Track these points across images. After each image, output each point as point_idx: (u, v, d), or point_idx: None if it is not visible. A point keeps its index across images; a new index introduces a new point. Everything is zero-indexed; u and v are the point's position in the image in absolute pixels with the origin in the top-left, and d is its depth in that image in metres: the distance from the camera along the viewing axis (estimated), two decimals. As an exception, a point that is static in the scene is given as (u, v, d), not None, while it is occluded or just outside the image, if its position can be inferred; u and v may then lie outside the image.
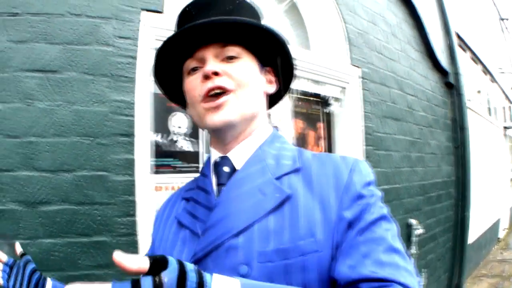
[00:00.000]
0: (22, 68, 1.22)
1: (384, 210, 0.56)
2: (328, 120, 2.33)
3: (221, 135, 0.63)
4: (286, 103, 2.10)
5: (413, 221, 2.64)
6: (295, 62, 0.68)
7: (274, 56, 0.67)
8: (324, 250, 0.53)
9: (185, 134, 1.64)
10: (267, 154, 0.62)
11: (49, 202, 1.20)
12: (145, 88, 1.41)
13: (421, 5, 3.12)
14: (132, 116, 1.36)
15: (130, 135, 1.35)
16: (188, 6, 0.66)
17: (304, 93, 2.19)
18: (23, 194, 1.18)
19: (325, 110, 2.33)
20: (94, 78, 1.30)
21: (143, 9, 1.44)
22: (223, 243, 0.55)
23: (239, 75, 0.61)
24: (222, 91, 0.59)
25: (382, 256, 0.51)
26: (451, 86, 3.33)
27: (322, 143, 2.28)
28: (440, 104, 3.20)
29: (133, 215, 1.32)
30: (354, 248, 0.52)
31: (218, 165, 0.64)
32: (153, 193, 1.47)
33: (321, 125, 2.28)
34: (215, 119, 0.59)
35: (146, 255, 0.64)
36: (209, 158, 0.68)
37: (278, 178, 0.59)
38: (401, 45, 2.84)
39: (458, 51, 3.54)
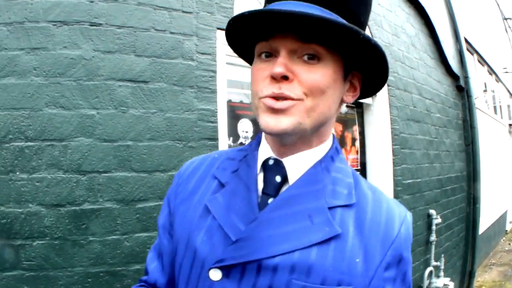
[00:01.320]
0: (113, 77, 1.45)
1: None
2: (362, 123, 2.70)
3: (276, 139, 0.57)
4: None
5: (432, 212, 3.01)
6: (389, 70, 0.58)
7: (363, 59, 0.56)
8: None
9: (251, 138, 2.00)
10: (325, 174, 0.57)
11: (145, 200, 1.49)
12: (224, 98, 1.77)
13: (434, 14, 3.47)
14: (216, 123, 1.70)
15: (215, 139, 1.69)
16: None
17: (340, 101, 2.55)
18: (120, 193, 1.43)
19: (358, 115, 2.70)
20: (182, 89, 1.63)
21: (218, 28, 1.76)
22: (257, 261, 0.52)
23: (315, 82, 0.52)
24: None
25: None
26: (461, 89, 3.68)
27: (357, 143, 2.65)
28: (452, 106, 3.56)
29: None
30: None
31: (268, 169, 0.58)
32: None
33: (356, 128, 2.65)
34: (270, 123, 0.52)
35: (162, 224, 0.66)
36: (256, 145, 0.62)
37: (331, 208, 0.54)
38: (419, 54, 3.20)
39: (466, 55, 3.90)
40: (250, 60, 0.62)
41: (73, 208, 1.36)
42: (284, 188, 0.57)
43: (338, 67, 0.54)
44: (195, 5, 1.73)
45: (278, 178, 0.57)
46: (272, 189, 0.57)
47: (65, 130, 1.37)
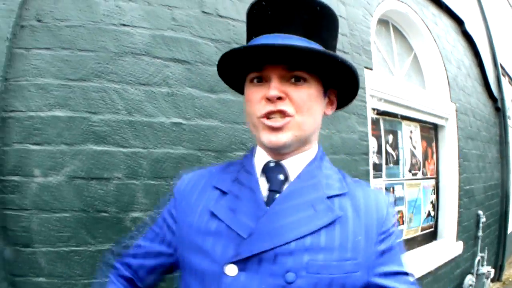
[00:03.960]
0: None
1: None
2: (437, 141, 3.12)
3: (274, 150, 0.62)
4: (417, 130, 2.88)
5: (480, 212, 3.46)
6: (360, 86, 0.67)
7: (339, 78, 0.64)
8: (360, 271, 0.57)
9: (373, 152, 2.39)
10: (318, 171, 0.63)
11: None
12: (370, 123, 2.16)
13: (479, 44, 3.88)
14: (367, 141, 2.10)
15: (367, 153, 2.09)
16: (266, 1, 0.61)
17: (425, 122, 2.96)
18: None
19: (435, 134, 3.11)
20: (349, 115, 2.00)
21: (365, 67, 2.15)
22: (273, 249, 0.55)
23: (302, 100, 0.59)
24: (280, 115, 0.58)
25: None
26: (498, 109, 4.14)
27: (434, 156, 3.07)
28: (492, 125, 4.01)
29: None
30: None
31: (270, 170, 0.63)
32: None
33: (433, 145, 3.06)
34: (272, 139, 0.59)
35: (155, 229, 0.70)
36: (250, 156, 0.67)
37: (329, 198, 0.60)
38: (472, 82, 3.62)
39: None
40: (234, 85, 0.72)
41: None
42: (286, 185, 0.62)
43: (319, 86, 0.62)
44: (350, 47, 2.10)
45: (281, 177, 0.62)
46: (277, 186, 0.61)
47: (285, 147, 1.73)
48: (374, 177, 2.27)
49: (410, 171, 2.72)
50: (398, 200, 2.58)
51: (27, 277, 1.19)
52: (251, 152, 0.68)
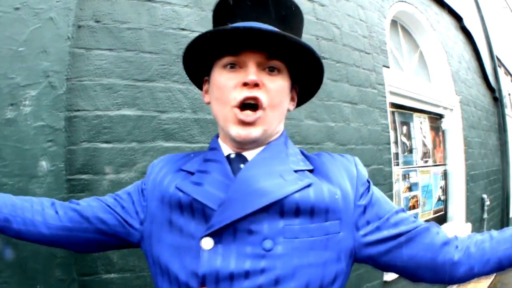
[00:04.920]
0: (341, 99, 1.97)
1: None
2: (443, 131, 3.30)
3: (239, 144, 0.61)
4: (426, 121, 3.06)
5: (484, 196, 3.66)
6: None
7: (307, 73, 0.64)
8: (344, 232, 0.57)
9: (393, 142, 2.55)
10: (284, 147, 0.63)
11: None
12: (389, 116, 2.33)
13: (477, 39, 4.07)
14: (388, 132, 2.27)
15: (389, 143, 2.26)
16: None
17: (432, 113, 3.15)
18: None
19: (441, 125, 3.30)
20: (373, 109, 2.17)
21: (383, 66, 2.34)
22: (247, 217, 0.53)
23: (276, 91, 0.59)
24: (255, 103, 0.57)
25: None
26: (496, 99, 4.35)
27: (441, 145, 3.25)
28: (491, 114, 4.21)
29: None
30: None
31: (232, 161, 0.61)
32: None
33: (440, 134, 3.25)
34: (242, 134, 0.57)
35: (120, 195, 0.68)
36: (214, 145, 0.65)
37: (296, 171, 0.59)
38: (472, 75, 3.81)
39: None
40: (194, 75, 0.68)
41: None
42: None
43: (289, 80, 0.62)
44: (370, 48, 2.27)
45: (242, 166, 0.60)
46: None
47: (319, 137, 1.89)
48: (394, 165, 2.44)
49: (422, 158, 2.90)
50: (413, 186, 2.76)
51: (97, 275, 1.18)
52: (212, 143, 0.66)
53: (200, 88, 0.71)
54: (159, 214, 0.61)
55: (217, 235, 0.54)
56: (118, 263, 1.21)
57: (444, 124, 3.26)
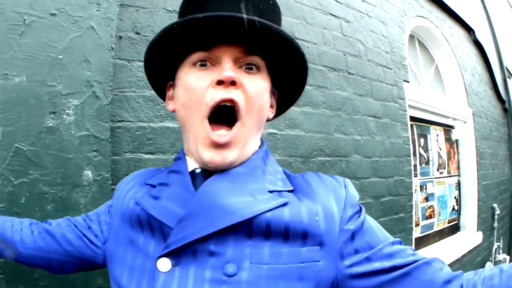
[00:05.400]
0: (367, 113, 2.06)
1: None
2: (457, 142, 3.38)
3: (212, 168, 0.51)
4: (442, 133, 3.13)
5: (495, 205, 3.72)
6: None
7: (288, 74, 0.56)
8: (325, 260, 0.48)
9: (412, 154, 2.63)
10: (262, 163, 0.54)
11: (384, 196, 2.13)
12: (409, 129, 2.40)
13: (488, 51, 4.15)
14: (409, 145, 2.34)
15: (409, 155, 2.33)
16: None
17: (447, 126, 3.22)
18: (373, 191, 2.07)
19: (451, 135, 3.37)
20: (395, 123, 2.23)
21: (404, 80, 2.42)
22: (208, 237, 0.45)
23: (255, 92, 0.50)
24: (231, 105, 0.48)
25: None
26: (506, 110, 4.42)
27: (456, 156, 3.32)
28: (501, 125, 4.28)
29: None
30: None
31: (196, 178, 0.52)
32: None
33: (455, 145, 3.32)
34: (216, 159, 0.49)
35: (89, 217, 0.63)
36: (179, 159, 0.57)
37: (271, 192, 0.50)
38: (484, 87, 3.89)
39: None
40: (156, 81, 0.58)
41: (353, 201, 1.96)
42: None
43: (269, 82, 0.54)
44: (392, 63, 2.35)
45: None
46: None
47: (347, 150, 1.97)
48: (413, 176, 2.51)
49: (437, 170, 2.97)
50: (430, 196, 2.83)
51: None
52: (178, 156, 0.57)
53: (162, 97, 0.60)
54: (120, 232, 0.55)
55: (175, 256, 0.46)
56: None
57: (454, 135, 3.34)
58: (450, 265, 2.80)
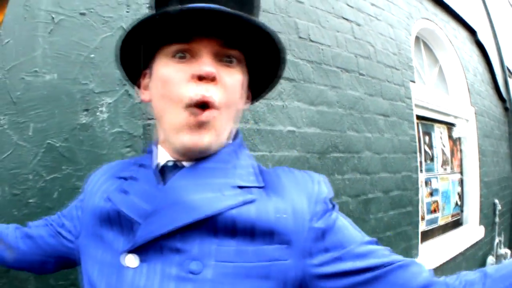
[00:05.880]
0: (377, 112, 2.16)
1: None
2: (460, 139, 3.50)
3: (188, 153, 0.51)
4: (445, 131, 3.26)
5: (496, 201, 3.85)
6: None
7: (264, 67, 0.55)
8: (292, 259, 0.46)
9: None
10: (234, 157, 0.53)
11: (392, 190, 2.25)
12: (416, 127, 2.52)
13: (489, 51, 4.26)
14: (415, 142, 2.46)
15: (415, 152, 2.45)
16: None
17: (450, 123, 3.34)
18: (383, 186, 2.18)
19: (458, 134, 3.50)
20: (402, 121, 2.37)
21: (410, 81, 2.54)
22: (174, 233, 0.45)
23: (233, 87, 0.50)
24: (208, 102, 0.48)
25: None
26: (507, 109, 4.55)
27: (458, 154, 3.45)
28: (502, 123, 4.41)
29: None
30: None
31: (168, 171, 0.51)
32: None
33: (458, 143, 3.45)
34: (197, 141, 0.48)
35: (63, 214, 0.66)
36: (150, 151, 0.56)
37: (240, 188, 0.49)
38: (485, 86, 4.01)
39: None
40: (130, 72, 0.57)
41: (364, 197, 2.08)
42: None
43: (246, 75, 0.54)
44: (399, 64, 2.46)
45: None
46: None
47: (359, 146, 2.08)
48: (419, 172, 2.63)
49: (441, 166, 3.09)
50: (434, 192, 2.95)
51: None
52: (149, 148, 0.57)
53: (134, 82, 0.59)
54: (91, 228, 0.54)
55: (143, 253, 0.46)
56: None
57: (456, 132, 3.46)
58: (453, 258, 2.92)
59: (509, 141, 4.50)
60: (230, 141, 0.56)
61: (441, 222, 3.04)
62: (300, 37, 1.82)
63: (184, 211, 0.46)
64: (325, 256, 0.48)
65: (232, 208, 0.46)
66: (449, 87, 3.46)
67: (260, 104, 1.64)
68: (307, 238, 0.47)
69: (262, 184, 0.51)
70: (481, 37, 3.98)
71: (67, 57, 1.05)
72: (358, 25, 2.21)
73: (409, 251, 2.34)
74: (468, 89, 3.47)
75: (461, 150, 3.49)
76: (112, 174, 0.58)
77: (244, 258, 0.45)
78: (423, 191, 2.74)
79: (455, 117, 3.30)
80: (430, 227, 2.86)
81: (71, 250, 0.62)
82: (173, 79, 0.48)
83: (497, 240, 3.80)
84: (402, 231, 2.30)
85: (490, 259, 3.61)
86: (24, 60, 1.01)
